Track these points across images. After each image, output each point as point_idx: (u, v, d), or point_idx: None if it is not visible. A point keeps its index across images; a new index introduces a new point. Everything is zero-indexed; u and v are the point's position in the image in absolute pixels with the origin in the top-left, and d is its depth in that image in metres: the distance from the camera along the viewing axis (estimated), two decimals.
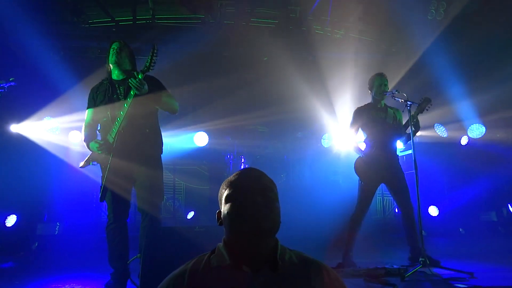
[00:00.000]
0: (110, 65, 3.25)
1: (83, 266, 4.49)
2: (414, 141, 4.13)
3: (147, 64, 3.06)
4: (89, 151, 3.26)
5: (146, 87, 3.07)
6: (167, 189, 7.50)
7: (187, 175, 7.70)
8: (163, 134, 3.44)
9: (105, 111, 3.19)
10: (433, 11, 6.41)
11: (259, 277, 1.24)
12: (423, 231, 3.78)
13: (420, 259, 3.63)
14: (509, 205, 7.29)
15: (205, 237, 2.78)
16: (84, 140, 3.28)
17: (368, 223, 4.40)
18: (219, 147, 7.47)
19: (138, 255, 2.71)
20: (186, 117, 7.28)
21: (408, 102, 4.03)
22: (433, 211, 7.33)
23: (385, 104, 4.47)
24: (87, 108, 3.35)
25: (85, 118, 3.34)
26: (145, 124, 3.22)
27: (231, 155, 7.26)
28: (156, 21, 6.86)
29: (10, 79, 3.39)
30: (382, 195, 7.61)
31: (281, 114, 7.33)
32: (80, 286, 3.44)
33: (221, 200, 1.38)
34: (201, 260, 1.31)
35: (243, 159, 7.24)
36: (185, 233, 2.81)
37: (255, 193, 1.30)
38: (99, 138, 3.28)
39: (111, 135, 3.12)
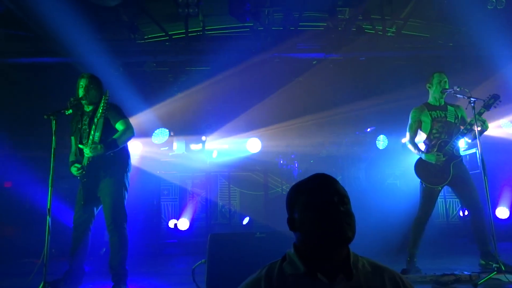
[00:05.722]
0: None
1: (148, 272, 4.67)
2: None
3: (100, 111, 3.44)
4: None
5: (99, 148, 3.46)
6: (222, 196, 7.66)
7: (241, 182, 7.81)
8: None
9: (77, 141, 3.68)
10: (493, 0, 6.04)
11: (335, 285, 1.24)
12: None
13: (493, 266, 3.41)
14: None
15: (267, 243, 2.80)
16: (69, 164, 3.71)
17: (430, 227, 4.20)
18: (272, 153, 7.49)
19: (203, 260, 2.80)
20: (238, 124, 7.40)
21: (472, 99, 3.82)
22: (503, 213, 6.84)
23: (444, 102, 4.27)
24: (70, 135, 3.79)
25: (71, 145, 3.81)
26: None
27: (285, 160, 7.25)
28: (206, 32, 7.07)
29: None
30: (445, 197, 7.25)
31: (334, 117, 7.23)
32: None
33: (293, 206, 1.37)
34: (274, 267, 1.32)
35: (296, 164, 7.22)
36: (247, 240, 2.85)
37: (337, 202, 1.30)
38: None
39: (84, 161, 3.58)
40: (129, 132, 3.67)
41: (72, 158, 3.75)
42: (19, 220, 5.88)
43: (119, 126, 3.64)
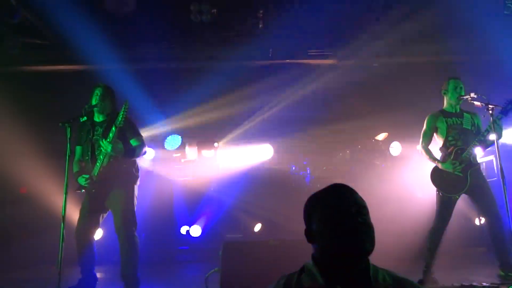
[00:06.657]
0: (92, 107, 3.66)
1: None
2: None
3: (119, 119, 3.44)
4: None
5: (120, 146, 3.49)
6: (234, 202, 7.61)
7: (253, 188, 7.76)
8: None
9: (87, 151, 3.70)
10: (510, 5, 5.94)
11: None
12: None
13: None
14: None
15: (280, 251, 2.77)
16: (75, 174, 3.71)
17: (447, 235, 4.11)
18: (284, 159, 7.46)
19: (216, 269, 2.78)
20: (250, 130, 7.38)
21: (490, 106, 3.75)
22: None
23: (460, 108, 4.20)
24: (76, 145, 3.78)
25: (76, 154, 3.78)
26: (122, 161, 3.65)
27: (297, 166, 7.21)
28: (218, 38, 7.07)
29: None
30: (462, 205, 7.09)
31: (346, 123, 7.17)
32: None
33: (311, 217, 1.34)
34: (292, 279, 1.30)
35: (308, 170, 7.17)
36: (260, 248, 2.82)
37: (355, 213, 1.27)
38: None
39: (94, 171, 3.60)
40: (143, 149, 3.76)
41: (76, 168, 3.76)
42: (35, 226, 5.93)
43: (134, 141, 3.71)
